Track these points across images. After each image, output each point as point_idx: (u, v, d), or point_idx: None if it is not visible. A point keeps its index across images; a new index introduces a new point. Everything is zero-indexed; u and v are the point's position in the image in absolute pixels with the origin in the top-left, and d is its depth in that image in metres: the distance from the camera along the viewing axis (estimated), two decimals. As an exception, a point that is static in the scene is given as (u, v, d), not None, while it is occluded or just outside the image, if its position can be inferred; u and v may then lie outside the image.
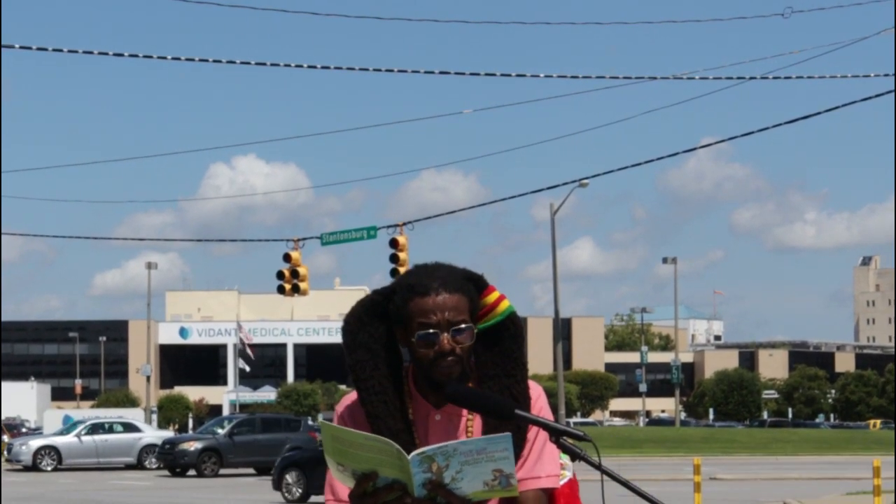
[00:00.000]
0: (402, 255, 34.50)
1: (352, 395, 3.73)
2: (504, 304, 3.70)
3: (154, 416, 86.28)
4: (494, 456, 3.20)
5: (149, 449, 50.63)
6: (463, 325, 3.58)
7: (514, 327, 3.71)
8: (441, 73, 28.49)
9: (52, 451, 49.22)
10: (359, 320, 3.70)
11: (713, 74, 29.29)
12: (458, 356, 3.57)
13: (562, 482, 3.75)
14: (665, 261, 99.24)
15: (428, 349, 3.57)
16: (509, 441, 3.21)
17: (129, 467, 49.83)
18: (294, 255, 36.68)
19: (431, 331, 3.56)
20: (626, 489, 3.43)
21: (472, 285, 3.67)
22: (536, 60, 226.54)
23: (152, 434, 52.53)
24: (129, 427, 52.27)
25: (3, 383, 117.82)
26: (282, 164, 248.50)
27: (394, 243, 35.11)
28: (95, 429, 50.79)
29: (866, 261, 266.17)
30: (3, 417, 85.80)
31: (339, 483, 3.57)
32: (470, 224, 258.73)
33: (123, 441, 50.89)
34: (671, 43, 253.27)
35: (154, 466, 49.86)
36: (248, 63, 26.37)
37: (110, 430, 51.45)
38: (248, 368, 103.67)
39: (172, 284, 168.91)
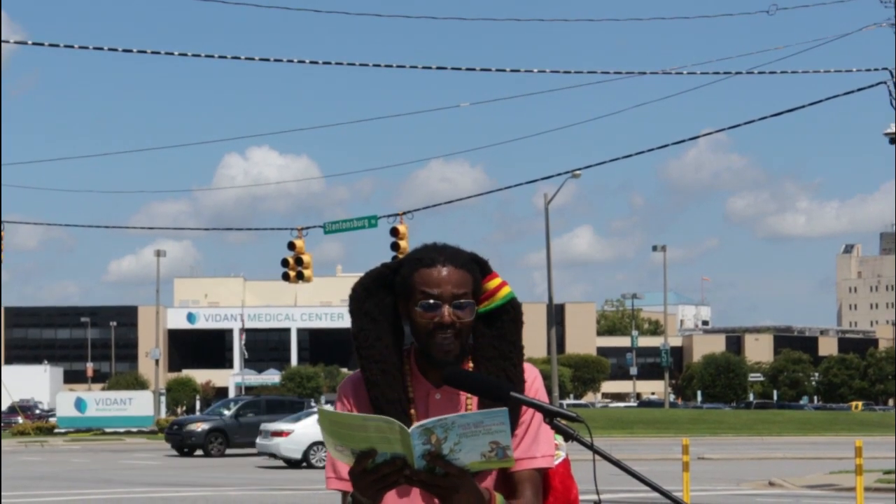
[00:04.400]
0: (402, 244, 34.53)
1: (356, 372, 3.74)
2: (505, 290, 3.70)
3: (163, 398, 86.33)
4: (491, 429, 3.20)
5: None
6: (464, 300, 3.57)
7: (513, 311, 3.70)
8: (439, 68, 28.49)
9: None
10: (366, 289, 3.69)
11: (701, 69, 29.32)
12: (457, 330, 3.56)
13: (556, 462, 3.76)
14: (655, 248, 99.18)
15: (428, 319, 3.56)
16: (506, 415, 3.21)
17: None
18: (298, 243, 36.73)
19: (433, 301, 3.55)
20: (618, 468, 3.44)
21: (478, 267, 3.67)
22: (531, 56, 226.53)
23: None
24: None
25: (18, 367, 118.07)
26: (294, 157, 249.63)
27: (394, 232, 35.17)
28: None
29: (848, 248, 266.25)
30: (17, 399, 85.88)
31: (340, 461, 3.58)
32: (473, 213, 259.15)
33: None
34: (660, 39, 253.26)
35: None
36: (253, 59, 26.38)
37: None
38: (246, 354, 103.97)
39: (186, 271, 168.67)
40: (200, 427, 46.12)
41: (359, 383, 3.68)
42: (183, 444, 46.06)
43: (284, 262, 36.87)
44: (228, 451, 45.81)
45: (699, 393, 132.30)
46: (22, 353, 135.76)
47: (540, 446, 3.63)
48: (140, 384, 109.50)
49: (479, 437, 3.21)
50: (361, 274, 3.76)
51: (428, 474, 3.25)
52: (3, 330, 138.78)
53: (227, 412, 47.44)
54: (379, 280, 3.69)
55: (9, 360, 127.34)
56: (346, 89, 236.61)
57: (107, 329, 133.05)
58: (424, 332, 3.57)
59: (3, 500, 24.06)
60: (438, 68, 28.55)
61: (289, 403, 50.45)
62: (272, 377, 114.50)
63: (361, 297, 3.68)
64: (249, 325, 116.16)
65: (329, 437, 3.28)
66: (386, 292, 3.67)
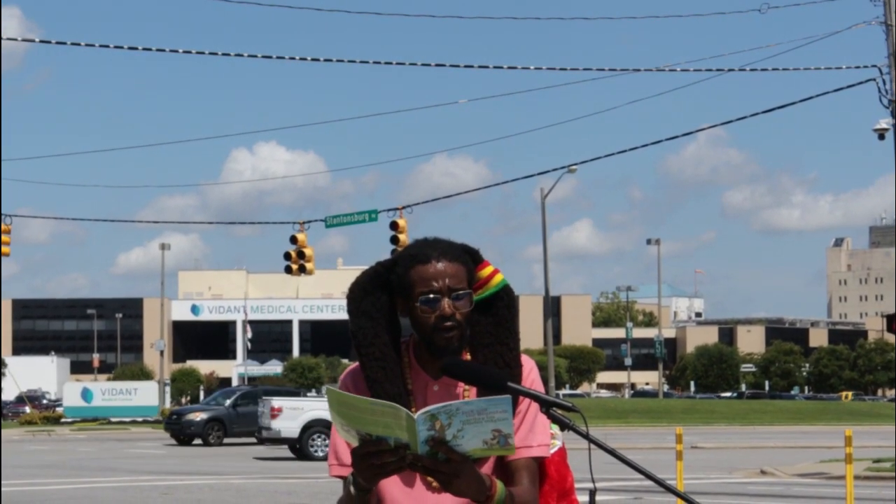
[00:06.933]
0: (402, 237, 34.55)
1: (355, 365, 3.74)
2: (498, 278, 3.70)
3: (167, 389, 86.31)
4: (494, 416, 3.21)
5: None
6: (462, 292, 3.58)
7: (507, 298, 3.70)
8: (438, 65, 28.53)
9: None
10: (363, 289, 3.70)
11: (694, 67, 29.32)
12: (457, 321, 3.56)
13: (552, 451, 3.75)
14: (649, 242, 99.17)
15: (430, 314, 3.57)
16: (509, 403, 3.22)
17: None
18: (300, 237, 36.73)
19: (433, 296, 3.56)
20: (613, 457, 3.44)
21: (469, 257, 3.68)
22: (528, 54, 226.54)
23: None
24: None
25: (26, 357, 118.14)
26: (301, 152, 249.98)
27: (394, 226, 35.18)
28: None
29: (838, 242, 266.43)
30: (25, 390, 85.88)
31: (343, 448, 3.58)
32: (475, 207, 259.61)
33: None
34: (654, 37, 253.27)
35: None
36: (255, 56, 26.40)
37: None
38: (250, 346, 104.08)
39: (192, 264, 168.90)
40: (199, 417, 46.05)
41: (359, 375, 3.68)
42: (182, 433, 45.98)
43: (287, 256, 36.87)
44: (226, 440, 45.75)
45: (692, 383, 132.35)
46: (30, 344, 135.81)
47: (536, 435, 3.63)
48: (145, 375, 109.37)
49: (481, 425, 3.21)
50: (362, 266, 3.77)
51: (430, 459, 3.25)
52: (11, 322, 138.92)
53: (225, 402, 47.40)
54: (375, 279, 3.69)
55: (17, 352, 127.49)
56: (350, 86, 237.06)
57: (113, 321, 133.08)
58: (427, 326, 3.57)
59: (9, 489, 24.07)
60: (438, 65, 28.72)
61: (286, 393, 50.39)
62: (274, 368, 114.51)
63: (359, 297, 3.68)
64: (252, 316, 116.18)
65: (337, 416, 3.28)
66: (382, 291, 3.67)
